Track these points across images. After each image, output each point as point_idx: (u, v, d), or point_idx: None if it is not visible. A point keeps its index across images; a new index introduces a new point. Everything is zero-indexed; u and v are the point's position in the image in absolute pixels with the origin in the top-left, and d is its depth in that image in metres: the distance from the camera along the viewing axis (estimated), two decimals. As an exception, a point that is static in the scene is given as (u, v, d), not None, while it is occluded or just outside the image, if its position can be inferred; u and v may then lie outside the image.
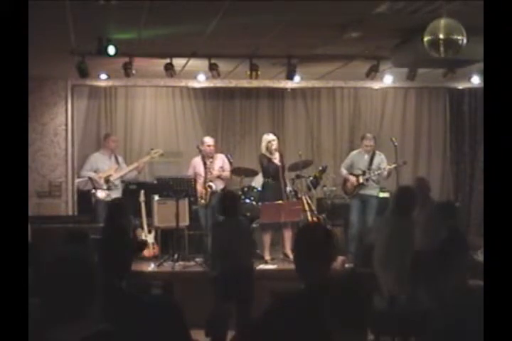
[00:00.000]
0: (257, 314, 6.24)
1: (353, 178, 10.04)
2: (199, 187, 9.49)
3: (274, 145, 9.51)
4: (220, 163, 9.88)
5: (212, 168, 9.65)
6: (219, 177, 9.74)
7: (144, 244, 9.14)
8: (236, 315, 6.64)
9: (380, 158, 10.18)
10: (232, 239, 6.71)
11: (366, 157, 10.16)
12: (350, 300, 2.80)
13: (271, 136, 9.67)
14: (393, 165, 9.97)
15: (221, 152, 10.51)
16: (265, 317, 3.17)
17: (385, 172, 9.97)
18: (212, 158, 9.77)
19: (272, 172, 9.49)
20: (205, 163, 9.64)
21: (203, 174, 9.59)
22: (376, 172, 9.99)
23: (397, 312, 5.73)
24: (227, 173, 9.93)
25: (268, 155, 9.51)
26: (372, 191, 9.95)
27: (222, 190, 9.67)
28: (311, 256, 3.34)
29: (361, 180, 9.99)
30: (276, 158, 9.49)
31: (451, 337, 3.00)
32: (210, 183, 9.52)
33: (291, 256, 9.21)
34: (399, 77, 10.28)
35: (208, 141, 9.90)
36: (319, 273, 3.28)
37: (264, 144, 9.61)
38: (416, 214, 6.84)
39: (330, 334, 2.71)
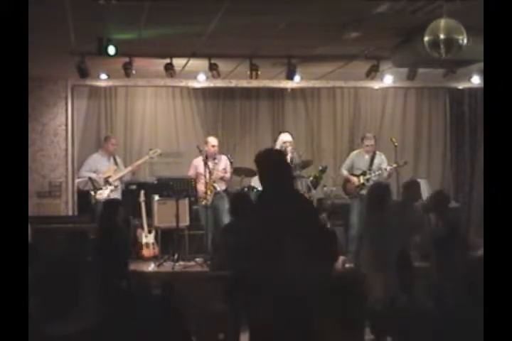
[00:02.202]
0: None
1: (354, 179, 10.05)
2: (202, 188, 9.48)
3: (289, 146, 9.47)
4: (223, 164, 9.88)
5: (215, 169, 9.64)
6: (221, 178, 9.73)
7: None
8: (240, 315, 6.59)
9: (380, 159, 10.19)
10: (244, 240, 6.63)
11: (367, 157, 10.17)
12: (351, 300, 2.80)
13: (287, 137, 9.61)
14: (394, 165, 9.98)
15: (221, 152, 10.50)
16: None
17: (386, 173, 9.98)
18: (215, 158, 9.76)
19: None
20: (206, 164, 9.64)
21: (206, 174, 9.57)
22: (377, 173, 9.99)
23: (398, 312, 5.73)
24: (229, 175, 9.93)
25: None
26: None
27: (225, 190, 9.67)
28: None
29: (362, 180, 10.00)
30: (287, 159, 9.42)
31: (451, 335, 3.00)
32: (214, 184, 9.53)
33: None
34: (399, 77, 10.28)
35: (212, 141, 9.89)
36: (321, 273, 3.29)
37: (278, 143, 9.55)
38: (395, 212, 6.85)
39: (329, 334, 2.71)
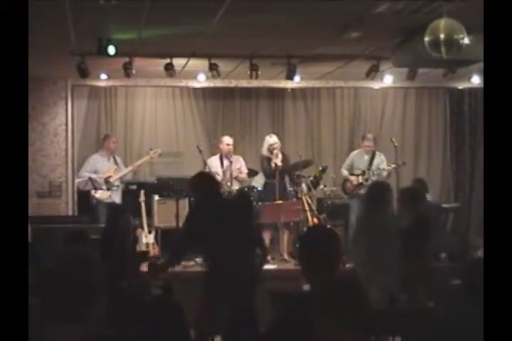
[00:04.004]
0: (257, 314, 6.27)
1: (353, 178, 10.09)
2: None
3: (276, 148, 9.48)
4: (238, 164, 9.84)
5: (230, 169, 9.60)
6: (235, 178, 9.68)
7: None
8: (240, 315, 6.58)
9: (380, 159, 10.22)
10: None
11: (366, 157, 10.21)
12: (352, 300, 2.80)
13: (273, 139, 9.60)
14: (392, 166, 10.00)
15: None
16: (276, 320, 3.17)
17: (385, 173, 10.01)
18: (229, 157, 9.74)
19: (271, 174, 9.47)
20: (222, 163, 9.59)
21: (220, 174, 9.54)
22: (375, 173, 10.01)
23: (398, 312, 5.73)
24: (244, 175, 9.87)
25: (269, 156, 9.48)
26: None
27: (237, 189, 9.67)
28: (319, 258, 3.35)
29: (361, 179, 10.03)
30: (277, 160, 9.42)
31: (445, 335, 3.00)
32: (227, 184, 9.50)
33: (286, 257, 9.23)
34: (399, 77, 10.28)
35: (227, 139, 9.89)
36: (327, 274, 3.29)
37: (265, 146, 9.58)
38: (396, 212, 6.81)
39: (333, 335, 2.71)
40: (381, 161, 10.20)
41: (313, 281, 3.34)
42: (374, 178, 9.96)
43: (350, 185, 10.16)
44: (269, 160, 9.47)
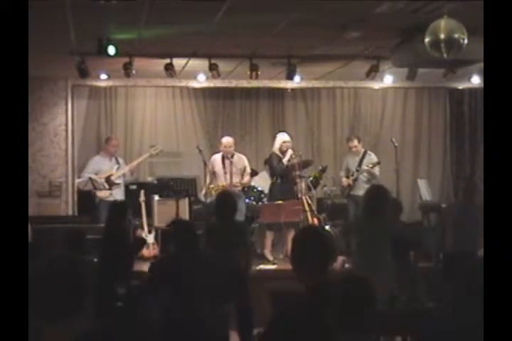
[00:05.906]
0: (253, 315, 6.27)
1: (344, 180, 10.21)
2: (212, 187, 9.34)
3: (289, 145, 9.43)
4: (241, 164, 9.63)
5: (231, 171, 9.45)
6: (239, 183, 9.50)
7: (143, 242, 9.11)
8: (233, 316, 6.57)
9: (369, 158, 10.24)
10: (224, 241, 6.54)
11: (357, 158, 10.25)
12: (351, 300, 2.80)
13: (286, 137, 9.54)
14: (370, 166, 10.01)
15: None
16: (273, 320, 3.17)
17: (365, 173, 10.01)
18: (232, 159, 9.48)
19: (281, 173, 9.41)
20: (224, 163, 9.47)
21: (221, 175, 9.45)
22: (359, 174, 10.05)
23: (398, 312, 5.73)
24: (246, 180, 9.61)
25: (280, 155, 9.43)
26: (361, 191, 9.89)
27: (242, 189, 9.57)
28: (308, 258, 3.35)
29: (350, 181, 10.09)
30: (286, 158, 9.39)
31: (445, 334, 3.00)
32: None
33: (283, 257, 9.24)
34: (399, 77, 10.29)
35: (225, 141, 9.56)
36: (317, 274, 3.29)
37: (277, 144, 9.50)
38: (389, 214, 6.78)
39: (332, 336, 2.71)
40: (370, 160, 10.23)
41: (305, 281, 3.34)
42: (359, 176, 10.00)
43: (341, 186, 10.25)
44: (280, 158, 9.36)
